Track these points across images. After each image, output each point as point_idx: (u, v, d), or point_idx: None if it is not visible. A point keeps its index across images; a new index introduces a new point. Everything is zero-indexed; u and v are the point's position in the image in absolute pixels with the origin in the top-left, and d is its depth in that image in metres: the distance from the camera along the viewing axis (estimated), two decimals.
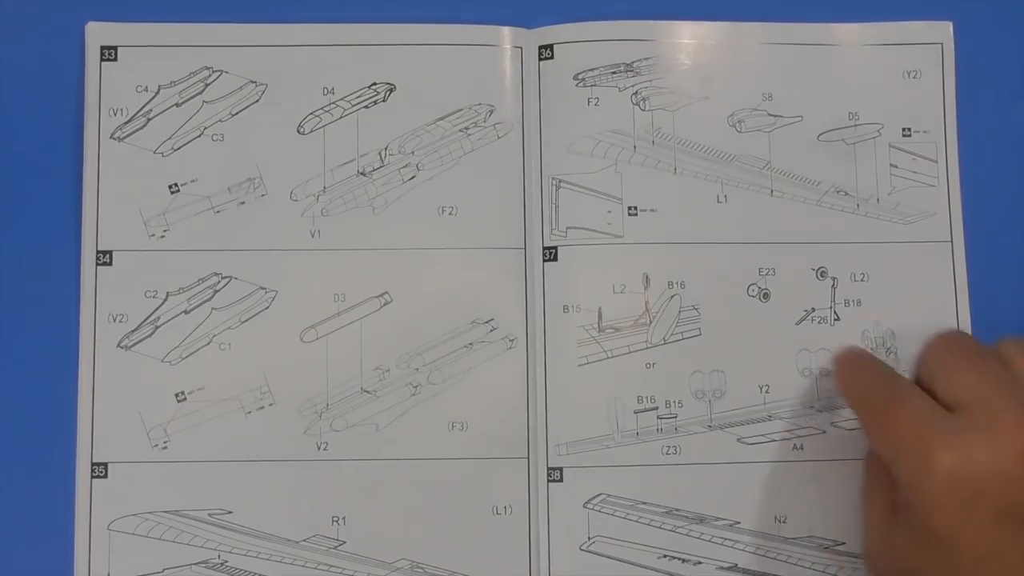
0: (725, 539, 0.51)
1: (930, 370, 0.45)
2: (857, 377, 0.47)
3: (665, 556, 0.51)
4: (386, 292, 0.52)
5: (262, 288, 0.51)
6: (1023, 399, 0.41)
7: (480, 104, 0.53)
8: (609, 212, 0.52)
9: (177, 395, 0.50)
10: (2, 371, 0.51)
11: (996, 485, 0.40)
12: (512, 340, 0.52)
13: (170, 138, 0.52)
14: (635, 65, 0.53)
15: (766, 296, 0.53)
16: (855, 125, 0.54)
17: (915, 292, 0.53)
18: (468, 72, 0.53)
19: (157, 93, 0.52)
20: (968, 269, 0.53)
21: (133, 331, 0.51)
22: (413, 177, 0.52)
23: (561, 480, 0.51)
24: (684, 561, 0.51)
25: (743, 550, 0.51)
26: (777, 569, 0.51)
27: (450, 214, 0.52)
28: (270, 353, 0.51)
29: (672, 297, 0.52)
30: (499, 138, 0.53)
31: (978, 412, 0.42)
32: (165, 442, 0.50)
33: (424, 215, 0.52)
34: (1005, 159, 0.54)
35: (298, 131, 0.52)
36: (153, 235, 0.51)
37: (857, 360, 0.48)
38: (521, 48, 0.53)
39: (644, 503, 0.51)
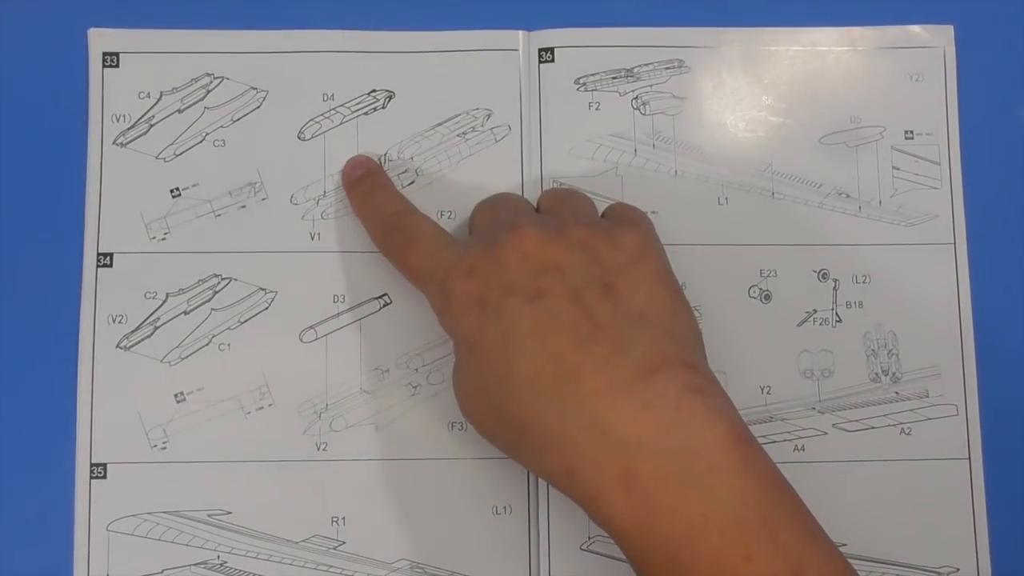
0: None
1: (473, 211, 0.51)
2: (374, 212, 0.51)
3: None
4: (385, 294, 0.52)
5: (262, 289, 0.51)
6: (514, 220, 0.46)
7: (478, 108, 0.53)
8: None
9: (176, 395, 0.50)
10: (2, 371, 0.51)
11: (495, 279, 0.44)
12: None
13: (172, 144, 0.52)
14: (635, 71, 0.54)
15: (767, 298, 0.52)
16: (857, 128, 0.54)
17: (917, 294, 0.53)
18: (466, 76, 0.53)
19: (159, 99, 0.52)
20: (970, 271, 0.53)
21: (132, 332, 0.51)
22: (412, 182, 0.53)
23: None
24: None
25: None
26: None
27: (449, 218, 0.52)
28: (269, 353, 0.51)
29: None
30: (496, 142, 0.53)
31: (480, 232, 0.48)
32: (164, 443, 0.50)
33: None
34: (1007, 161, 0.54)
35: (298, 137, 0.53)
36: (154, 238, 0.51)
37: (371, 191, 0.51)
38: (519, 51, 0.53)
39: None
